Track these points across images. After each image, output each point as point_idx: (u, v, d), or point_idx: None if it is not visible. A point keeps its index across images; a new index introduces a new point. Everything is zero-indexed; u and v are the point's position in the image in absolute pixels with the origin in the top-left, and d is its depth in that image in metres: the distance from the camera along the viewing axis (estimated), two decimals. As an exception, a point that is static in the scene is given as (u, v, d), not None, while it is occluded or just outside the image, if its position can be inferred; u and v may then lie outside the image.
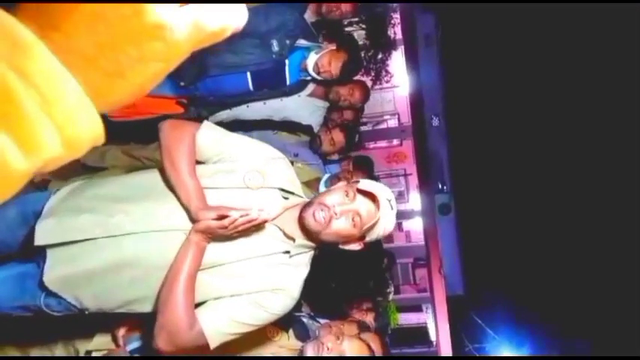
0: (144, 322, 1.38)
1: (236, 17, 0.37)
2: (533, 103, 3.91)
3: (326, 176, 2.77)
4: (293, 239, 1.41)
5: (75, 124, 0.33)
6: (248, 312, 1.34)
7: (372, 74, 4.43)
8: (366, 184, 1.43)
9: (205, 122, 1.49)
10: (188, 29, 0.34)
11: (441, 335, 5.66)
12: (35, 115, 0.31)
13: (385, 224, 1.43)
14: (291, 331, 1.81)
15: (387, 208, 1.41)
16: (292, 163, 2.57)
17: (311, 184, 2.66)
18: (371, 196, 1.40)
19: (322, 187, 2.71)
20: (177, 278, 1.29)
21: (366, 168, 2.86)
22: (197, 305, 1.33)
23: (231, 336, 1.34)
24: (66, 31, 0.32)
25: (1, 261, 1.49)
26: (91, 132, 0.34)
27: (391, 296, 5.84)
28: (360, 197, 1.39)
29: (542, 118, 3.83)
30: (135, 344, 1.56)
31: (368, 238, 1.46)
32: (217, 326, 1.31)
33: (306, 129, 2.82)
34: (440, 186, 5.52)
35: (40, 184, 1.74)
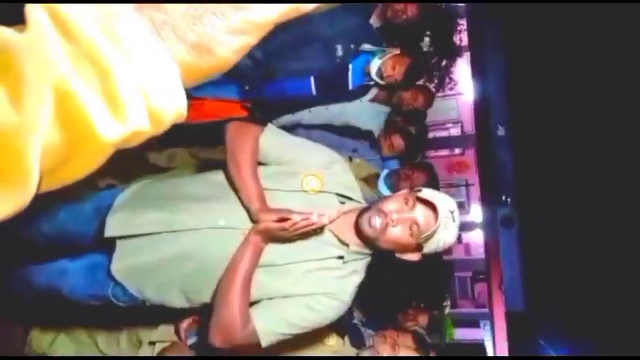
0: (205, 317, 1.42)
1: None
2: (607, 115, 3.68)
3: (385, 172, 2.73)
4: (347, 245, 1.40)
5: (161, 94, 0.33)
6: (299, 314, 1.35)
7: (436, 81, 4.33)
8: (427, 193, 1.40)
9: (269, 125, 1.52)
10: (273, 2, 0.35)
11: (498, 353, 5.42)
12: (125, 82, 0.31)
13: (445, 236, 1.39)
14: (346, 338, 1.80)
15: (447, 220, 1.36)
16: (350, 158, 2.58)
17: (369, 180, 2.64)
18: (431, 206, 1.36)
19: (381, 183, 2.68)
20: (234, 277, 1.32)
21: (427, 169, 2.80)
22: (251, 304, 1.36)
23: (282, 336, 1.35)
24: (162, 5, 0.33)
25: (78, 253, 1.58)
26: (174, 105, 0.34)
27: (448, 310, 5.65)
28: (419, 206, 1.37)
29: (615, 131, 3.59)
30: (196, 338, 1.60)
31: (426, 250, 1.42)
32: (269, 326, 1.33)
33: (367, 134, 2.80)
34: (503, 198, 5.30)
35: (106, 189, 1.84)
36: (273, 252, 1.37)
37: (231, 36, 0.35)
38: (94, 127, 0.31)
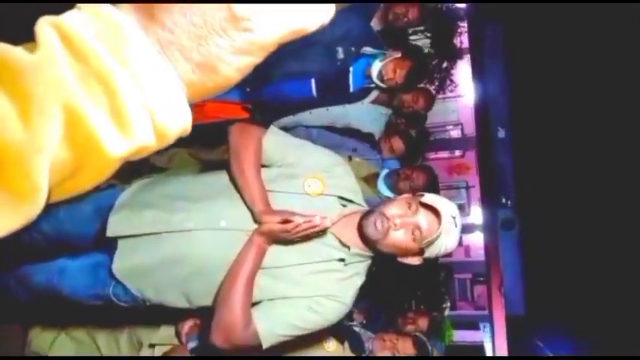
0: (207, 318, 1.42)
1: (323, 12, 0.38)
2: (608, 117, 3.68)
3: (385, 172, 2.73)
4: (348, 247, 1.41)
5: (166, 111, 0.34)
6: (301, 316, 1.35)
7: (436, 83, 4.34)
8: (430, 198, 1.40)
9: (272, 127, 1.52)
10: (276, 22, 0.36)
11: (498, 355, 5.41)
12: (131, 100, 0.32)
13: (447, 242, 1.39)
14: (346, 343, 1.80)
15: (450, 225, 1.37)
16: (350, 157, 2.58)
17: (369, 179, 2.64)
18: (434, 211, 1.36)
19: (381, 183, 2.68)
20: (237, 278, 1.32)
21: (427, 170, 2.79)
22: (252, 305, 1.36)
23: (283, 338, 1.35)
24: (168, 25, 0.34)
25: (77, 252, 1.58)
26: (179, 121, 0.35)
27: (447, 312, 5.64)
28: (422, 211, 1.37)
29: (616, 133, 3.59)
30: (196, 342, 1.60)
31: (427, 254, 1.42)
32: (271, 327, 1.33)
33: (367, 136, 2.80)
34: (503, 200, 5.30)
35: (104, 189, 1.84)
36: (274, 254, 1.37)
37: (236, 56, 0.36)
38: (101, 144, 0.32)
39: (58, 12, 0.33)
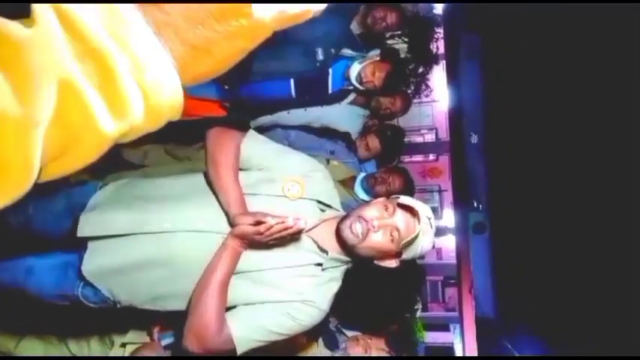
0: (179, 320, 1.39)
1: (317, 2, 0.39)
2: (578, 123, 3.79)
3: (362, 175, 2.75)
4: (326, 252, 1.40)
5: (160, 93, 0.34)
6: (277, 321, 1.34)
7: (412, 88, 4.39)
8: (406, 199, 1.42)
9: (250, 131, 1.51)
10: (272, 10, 0.37)
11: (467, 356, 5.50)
12: (126, 79, 0.33)
13: (423, 242, 1.41)
14: (320, 341, 1.80)
15: (426, 226, 1.39)
16: (328, 161, 2.58)
17: (346, 183, 2.65)
18: (411, 211, 1.38)
19: (358, 186, 2.69)
20: (211, 281, 1.30)
21: (403, 173, 2.82)
22: (227, 309, 1.34)
23: (258, 343, 1.33)
24: (165, 8, 0.34)
25: (46, 250, 1.53)
26: (171, 103, 0.36)
27: (419, 313, 5.70)
28: (399, 212, 1.38)
29: (586, 141, 3.70)
30: (169, 340, 1.57)
31: (405, 256, 1.43)
32: (245, 332, 1.31)
33: (344, 136, 2.81)
34: (475, 204, 5.40)
35: (76, 185, 1.80)
36: (251, 258, 1.36)
37: (231, 40, 0.36)
38: (95, 122, 0.32)
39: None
